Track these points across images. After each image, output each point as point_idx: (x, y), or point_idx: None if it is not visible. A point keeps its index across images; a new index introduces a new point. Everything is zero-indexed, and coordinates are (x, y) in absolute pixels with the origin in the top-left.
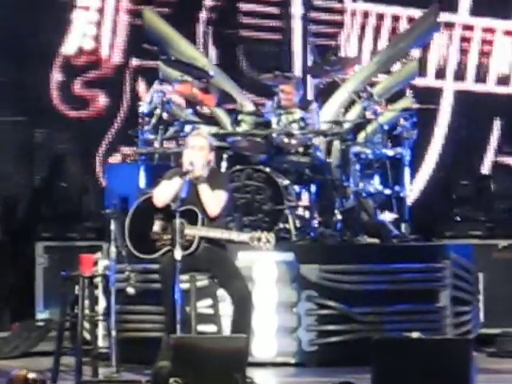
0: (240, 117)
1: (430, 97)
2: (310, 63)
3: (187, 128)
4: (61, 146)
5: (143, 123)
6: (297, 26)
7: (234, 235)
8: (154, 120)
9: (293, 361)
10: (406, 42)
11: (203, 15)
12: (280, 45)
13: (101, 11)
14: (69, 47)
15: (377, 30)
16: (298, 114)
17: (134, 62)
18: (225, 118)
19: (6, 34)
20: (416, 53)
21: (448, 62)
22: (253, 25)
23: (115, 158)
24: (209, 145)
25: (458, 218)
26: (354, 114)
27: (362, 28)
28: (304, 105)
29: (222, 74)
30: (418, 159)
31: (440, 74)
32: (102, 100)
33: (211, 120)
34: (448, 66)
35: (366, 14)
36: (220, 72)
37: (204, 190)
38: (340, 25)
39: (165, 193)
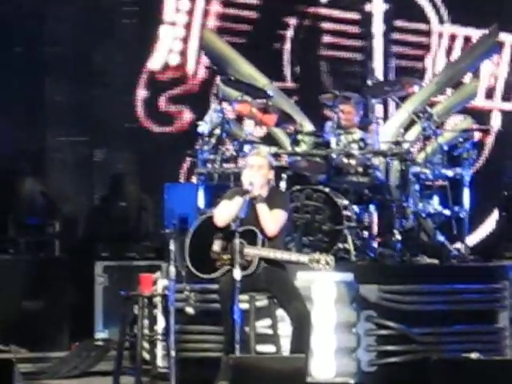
0: (299, 137)
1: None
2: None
3: (246, 148)
4: (121, 166)
5: (203, 143)
6: (378, 46)
7: (294, 256)
8: (213, 140)
9: (352, 381)
10: (465, 62)
11: (288, 33)
12: (362, 64)
13: (188, 27)
14: (155, 63)
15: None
16: (357, 134)
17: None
18: (284, 138)
19: (68, 53)
20: (482, 73)
21: (497, 82)
22: (335, 44)
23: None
24: (268, 164)
25: None
26: (413, 134)
27: (449, 50)
28: (364, 125)
29: (282, 94)
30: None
31: (489, 94)
32: (187, 116)
33: (270, 140)
34: (497, 86)
35: (453, 37)
36: (280, 92)
37: (262, 209)
38: (424, 46)
39: (226, 212)
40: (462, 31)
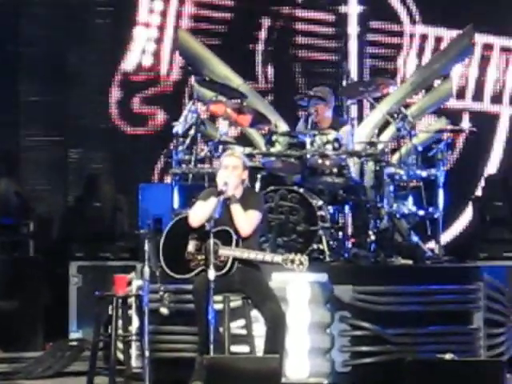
0: (274, 137)
1: (486, 121)
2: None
3: (221, 148)
4: (96, 166)
5: (177, 143)
6: (353, 47)
7: (268, 257)
8: (187, 140)
9: (326, 382)
10: (440, 63)
11: (261, 34)
12: (337, 65)
13: (161, 28)
14: (128, 63)
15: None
16: (332, 135)
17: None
18: (259, 139)
19: (42, 53)
20: (454, 74)
21: (505, 87)
22: (309, 45)
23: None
24: (242, 164)
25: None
26: (388, 135)
27: (421, 50)
28: (339, 125)
29: (257, 94)
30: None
31: (496, 99)
32: (161, 117)
33: (245, 140)
34: (504, 90)
35: (424, 37)
36: (254, 93)
37: (236, 209)
38: (398, 46)
39: (201, 213)
40: (433, 31)
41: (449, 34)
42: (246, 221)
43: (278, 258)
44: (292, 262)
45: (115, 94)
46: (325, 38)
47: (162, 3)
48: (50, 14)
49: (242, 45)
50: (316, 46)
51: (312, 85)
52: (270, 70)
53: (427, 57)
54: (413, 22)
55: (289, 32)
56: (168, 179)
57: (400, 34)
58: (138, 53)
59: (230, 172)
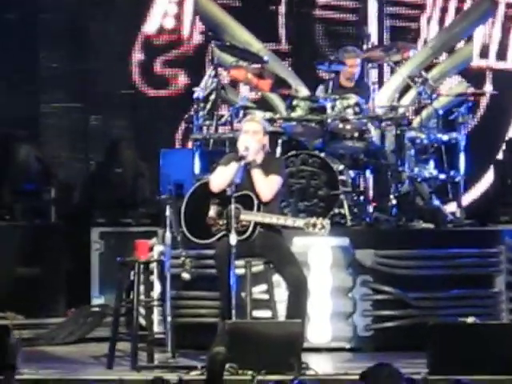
0: (295, 102)
1: (509, 81)
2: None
3: (241, 113)
4: (117, 131)
5: (198, 109)
6: (372, 7)
7: (289, 221)
8: (208, 105)
9: (348, 346)
10: (460, 26)
11: None
12: (357, 27)
13: None
14: (150, 26)
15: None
16: (352, 99)
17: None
18: (279, 104)
19: (62, 19)
20: (477, 34)
21: (491, 42)
22: (330, 5)
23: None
24: (263, 129)
25: None
26: (408, 98)
27: (444, 11)
28: (360, 88)
29: (277, 59)
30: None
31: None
32: (183, 79)
33: (265, 105)
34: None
35: None
36: (275, 57)
37: (257, 174)
38: (420, 7)
39: (221, 178)
40: None
41: None
42: (267, 185)
43: (299, 223)
44: (314, 226)
45: (137, 56)
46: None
47: None
48: None
49: (263, 6)
50: (337, 5)
51: (332, 47)
52: (291, 32)
53: (450, 17)
54: None
55: None
56: (189, 144)
57: None
58: (160, 15)
59: (251, 137)
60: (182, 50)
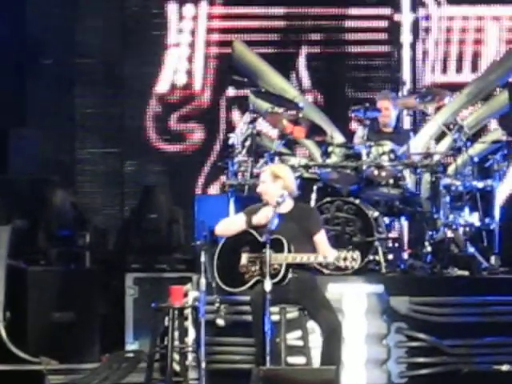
0: (330, 148)
1: None
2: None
3: (276, 159)
4: (150, 179)
5: (233, 155)
6: (405, 55)
7: (320, 257)
8: (243, 151)
9: None
10: (496, 73)
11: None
12: (389, 70)
13: (192, 46)
14: (162, 85)
15: None
16: (387, 145)
17: (230, 91)
18: (315, 150)
19: (97, 64)
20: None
21: None
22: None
23: (213, 189)
24: (270, 176)
25: None
26: (444, 146)
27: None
28: (398, 134)
29: (312, 105)
30: None
31: None
32: (198, 133)
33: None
34: None
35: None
36: (310, 104)
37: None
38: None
39: (225, 226)
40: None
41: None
42: (328, 247)
43: (330, 258)
44: (344, 259)
45: (152, 111)
46: (377, 44)
47: (191, 22)
48: (105, 27)
49: (291, 58)
50: (368, 53)
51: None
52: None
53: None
54: None
55: (339, 44)
56: (214, 190)
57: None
58: (171, 73)
59: (261, 186)
60: (194, 105)
